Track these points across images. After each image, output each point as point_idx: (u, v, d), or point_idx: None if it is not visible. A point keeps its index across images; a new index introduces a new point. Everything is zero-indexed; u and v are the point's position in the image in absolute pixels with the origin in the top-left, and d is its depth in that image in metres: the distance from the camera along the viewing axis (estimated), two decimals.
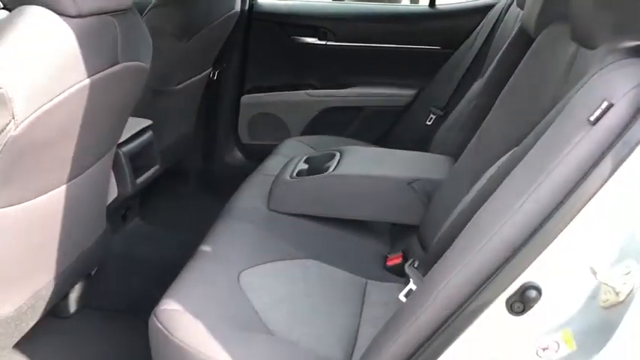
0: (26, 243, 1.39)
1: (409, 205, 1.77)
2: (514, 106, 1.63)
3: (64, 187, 1.42)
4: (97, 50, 1.29)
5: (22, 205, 1.29)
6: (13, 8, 1.20)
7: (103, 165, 1.59)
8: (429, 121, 2.51)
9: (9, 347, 1.54)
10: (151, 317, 1.31)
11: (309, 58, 2.76)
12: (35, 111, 1.16)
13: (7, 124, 1.12)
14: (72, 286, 1.80)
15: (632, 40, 0.96)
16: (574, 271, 0.86)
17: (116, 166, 1.78)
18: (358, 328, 1.45)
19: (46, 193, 1.36)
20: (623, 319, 0.80)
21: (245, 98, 2.81)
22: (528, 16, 1.71)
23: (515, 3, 2.28)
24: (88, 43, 1.24)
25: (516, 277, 0.89)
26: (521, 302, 0.89)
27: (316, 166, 1.90)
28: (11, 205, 1.27)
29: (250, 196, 1.88)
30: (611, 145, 0.85)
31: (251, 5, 2.72)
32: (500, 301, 0.90)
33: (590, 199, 0.85)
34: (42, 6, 1.18)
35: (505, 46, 1.98)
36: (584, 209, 0.85)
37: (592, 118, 0.87)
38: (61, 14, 1.19)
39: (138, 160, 1.94)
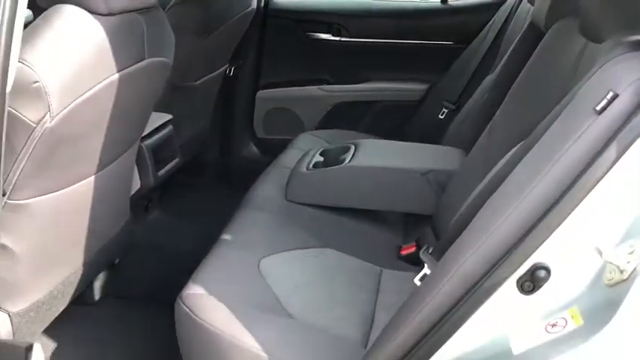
0: (58, 230, 1.46)
1: (423, 195, 1.83)
2: (525, 98, 1.67)
3: (93, 178, 1.49)
4: (126, 47, 1.35)
5: (55, 193, 1.36)
6: (47, 7, 1.26)
7: (128, 157, 1.66)
8: (442, 115, 2.55)
9: (39, 332, 1.61)
10: (177, 301, 1.37)
11: (323, 53, 2.81)
12: (69, 104, 1.23)
13: (44, 117, 1.19)
14: (97, 274, 1.87)
15: (638, 35, 1.01)
16: (581, 252, 0.91)
17: (139, 158, 1.85)
18: (374, 313, 1.51)
19: (77, 182, 1.42)
20: (626, 296, 0.85)
21: (260, 93, 2.87)
22: (539, 12, 1.75)
23: None
24: (118, 40, 1.31)
25: (527, 258, 0.94)
26: (532, 282, 0.94)
27: (332, 159, 1.96)
28: (46, 194, 1.34)
29: (268, 187, 1.94)
30: (616, 133, 0.90)
31: (266, 2, 2.77)
32: (512, 281, 0.95)
33: (596, 183, 0.90)
34: (75, 5, 1.24)
35: (516, 41, 2.02)
36: (590, 193, 0.90)
37: (598, 108, 0.92)
38: (92, 13, 1.26)
39: (159, 154, 2.01)
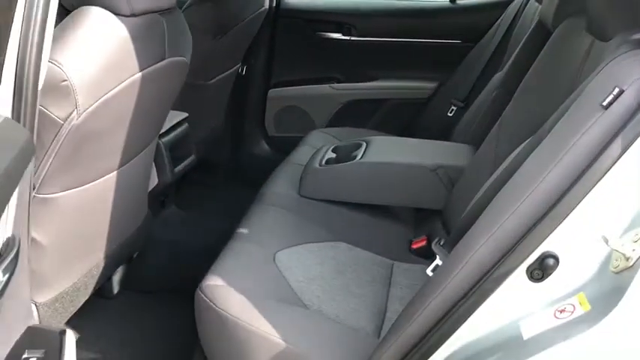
0: (82, 224, 1.51)
1: (433, 190, 1.87)
2: (533, 95, 1.71)
3: (115, 173, 1.54)
4: (148, 46, 1.40)
5: (80, 188, 1.42)
6: (73, 9, 1.31)
7: (148, 153, 1.71)
8: (450, 112, 2.59)
9: (62, 324, 1.66)
10: (197, 292, 1.42)
11: (333, 52, 2.86)
12: (95, 102, 1.28)
13: (71, 114, 1.24)
14: (117, 267, 1.93)
15: None
16: (588, 241, 0.95)
17: (157, 155, 1.90)
18: (386, 305, 1.55)
19: (100, 178, 1.48)
20: (632, 282, 0.89)
21: (272, 92, 2.91)
22: (546, 11, 1.79)
23: None
24: (140, 40, 1.36)
25: (536, 248, 0.98)
26: (541, 270, 0.99)
27: (344, 155, 2.00)
28: (71, 189, 1.39)
29: (282, 183, 1.99)
30: (622, 127, 0.94)
31: (278, 2, 2.82)
32: (522, 270, 1.00)
33: (603, 175, 0.94)
34: (100, 7, 1.29)
35: (524, 39, 2.06)
36: (597, 185, 0.94)
37: (604, 103, 0.96)
38: (116, 14, 1.31)
39: (176, 151, 2.06)
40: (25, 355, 0.89)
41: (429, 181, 1.87)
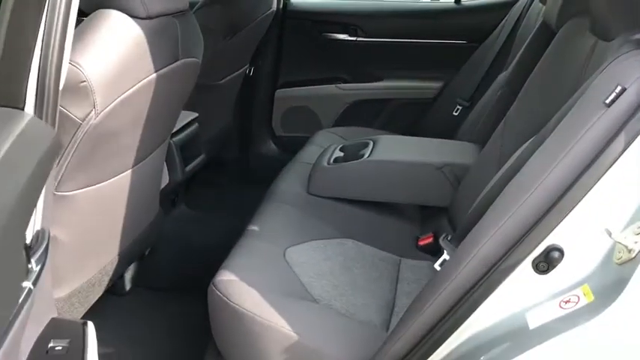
0: (98, 221, 1.55)
1: (439, 188, 1.90)
2: (537, 94, 1.74)
3: (129, 172, 1.58)
4: (163, 48, 1.44)
5: (96, 186, 1.46)
6: (91, 12, 1.35)
7: (160, 152, 1.75)
8: (456, 111, 2.62)
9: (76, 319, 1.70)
10: (210, 287, 1.45)
11: (339, 53, 2.89)
12: (112, 102, 1.32)
13: (89, 113, 1.28)
14: (129, 264, 1.96)
15: None
16: (592, 234, 0.99)
17: (168, 154, 1.94)
18: (394, 300, 1.58)
19: (115, 176, 1.52)
20: (634, 273, 0.93)
21: (279, 92, 2.95)
22: (550, 11, 1.82)
23: None
24: (155, 42, 1.40)
25: (541, 241, 1.02)
26: (546, 262, 1.02)
27: (351, 154, 2.03)
28: (88, 186, 1.43)
29: (291, 181, 2.02)
30: (624, 124, 0.98)
31: (285, 4, 2.85)
32: (527, 262, 1.03)
33: (606, 170, 0.97)
34: (116, 9, 1.33)
35: (528, 39, 2.08)
36: (601, 179, 0.98)
37: (607, 101, 1.00)
38: (132, 16, 1.35)
39: (186, 150, 2.10)
40: (50, 344, 0.93)
41: (436, 179, 1.91)
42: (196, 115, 2.16)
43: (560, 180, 1.02)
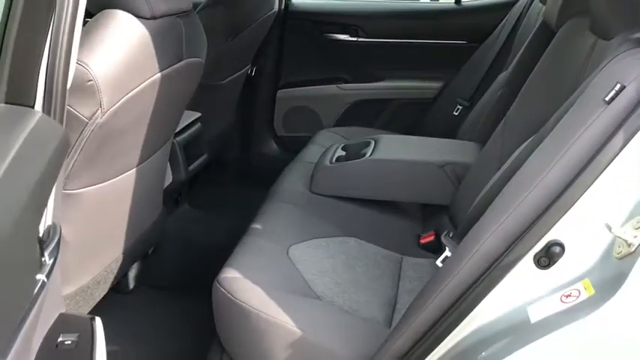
0: (103, 219, 1.57)
1: (440, 187, 1.92)
2: (537, 93, 1.76)
3: (133, 171, 1.59)
4: (167, 48, 1.46)
5: (101, 184, 1.47)
6: (96, 12, 1.37)
7: (164, 151, 1.77)
8: (456, 111, 2.64)
9: None
10: (215, 284, 1.46)
11: (340, 53, 2.91)
12: (118, 101, 1.33)
13: (96, 112, 1.30)
14: (133, 262, 1.98)
15: None
16: (592, 229, 1.00)
17: (171, 154, 1.95)
18: (396, 297, 1.60)
19: (120, 175, 1.53)
20: (633, 267, 0.94)
21: (280, 93, 2.97)
22: (550, 11, 1.84)
23: None
24: (160, 42, 1.41)
25: (542, 236, 1.03)
26: (547, 257, 1.04)
27: (353, 153, 2.05)
28: (93, 185, 1.45)
29: (293, 180, 2.04)
30: (623, 121, 0.99)
31: (286, 5, 2.87)
32: (529, 257, 1.05)
33: (606, 166, 0.99)
34: (122, 10, 1.35)
35: (528, 39, 2.10)
36: (601, 175, 0.99)
37: (607, 98, 1.01)
38: (138, 16, 1.36)
39: (189, 150, 2.12)
40: (60, 339, 0.94)
41: (437, 178, 1.92)
42: (199, 114, 2.18)
43: (561, 176, 1.04)
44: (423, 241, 1.87)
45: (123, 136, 1.44)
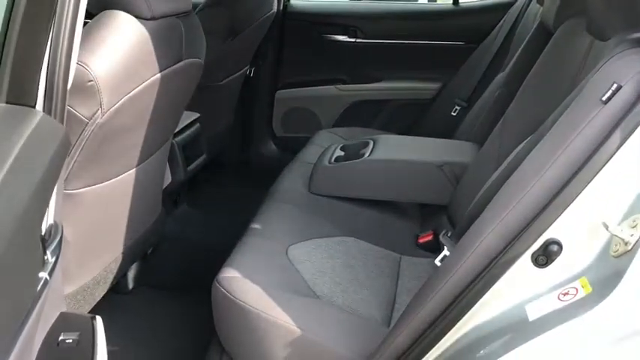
0: (103, 219, 1.57)
1: (439, 186, 1.93)
2: (535, 94, 1.77)
3: (133, 171, 1.60)
4: (167, 48, 1.47)
5: (101, 184, 1.48)
6: (97, 13, 1.38)
7: (163, 152, 1.78)
8: (454, 112, 2.65)
9: None
10: (214, 284, 1.46)
11: (339, 54, 2.92)
12: (118, 101, 1.34)
13: (96, 112, 1.31)
14: (133, 263, 1.98)
15: (639, 33, 1.11)
16: (590, 227, 1.01)
17: (170, 154, 1.96)
18: (395, 296, 1.61)
19: (120, 175, 1.54)
20: (630, 265, 0.95)
21: (279, 93, 2.98)
22: (548, 12, 1.85)
23: (534, 0, 2.42)
24: (160, 42, 1.42)
25: (540, 235, 1.04)
26: (545, 256, 1.04)
27: (352, 153, 2.06)
28: (93, 185, 1.45)
29: (292, 180, 2.05)
30: (620, 120, 1.00)
31: (285, 6, 2.88)
32: (527, 256, 1.05)
33: (603, 165, 1.00)
34: (122, 10, 1.36)
35: (526, 40, 2.11)
36: (598, 174, 1.00)
37: (604, 98, 1.02)
38: (138, 17, 1.37)
39: (188, 150, 2.12)
40: (61, 337, 0.95)
41: (435, 178, 1.93)
42: (198, 115, 2.19)
43: (559, 175, 1.04)
44: (421, 240, 1.88)
45: (123, 137, 1.45)
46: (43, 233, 0.89)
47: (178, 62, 1.53)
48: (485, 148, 1.89)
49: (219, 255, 1.60)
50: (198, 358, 1.68)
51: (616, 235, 0.97)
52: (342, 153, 2.09)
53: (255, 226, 1.75)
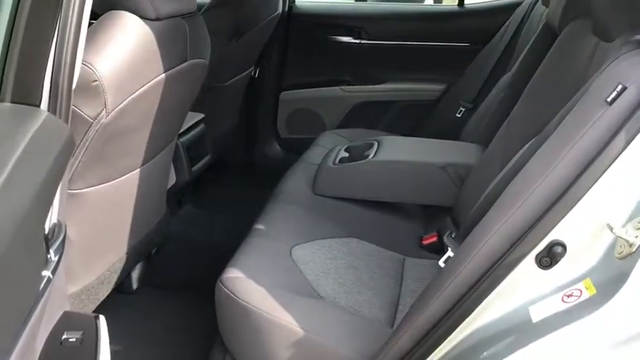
0: (107, 219, 1.57)
1: (443, 188, 1.93)
2: (540, 95, 1.76)
3: (137, 171, 1.60)
4: (172, 49, 1.47)
5: (106, 184, 1.48)
6: (102, 13, 1.38)
7: (167, 152, 1.78)
8: (459, 113, 2.64)
9: None
10: (218, 284, 1.47)
11: (344, 56, 2.92)
12: (123, 101, 1.35)
13: (100, 112, 1.31)
14: (137, 263, 1.99)
15: None
16: (594, 229, 1.01)
17: (175, 154, 1.96)
18: (399, 297, 1.61)
19: (124, 175, 1.54)
20: (635, 267, 0.95)
21: (284, 94, 2.98)
22: (553, 14, 1.84)
23: (540, 1, 2.41)
24: (165, 43, 1.42)
25: (544, 236, 1.04)
26: (549, 257, 1.04)
27: (356, 154, 2.06)
28: (98, 184, 1.46)
29: (296, 181, 2.05)
30: (625, 121, 1.00)
31: (290, 7, 2.89)
32: (531, 257, 1.05)
33: (608, 167, 0.99)
34: (127, 11, 1.36)
35: (531, 41, 2.11)
36: (603, 176, 1.00)
37: (609, 99, 1.02)
38: (142, 18, 1.38)
39: (193, 151, 2.13)
40: (64, 336, 0.95)
41: (439, 179, 1.93)
42: (203, 115, 2.19)
43: (563, 176, 1.04)
44: (425, 242, 1.87)
45: (127, 137, 1.45)
46: (46, 232, 0.89)
47: (183, 63, 1.54)
48: (490, 150, 1.89)
49: (223, 255, 1.60)
50: (201, 358, 1.68)
51: (620, 237, 0.96)
52: (347, 154, 2.09)
53: (259, 226, 1.75)
